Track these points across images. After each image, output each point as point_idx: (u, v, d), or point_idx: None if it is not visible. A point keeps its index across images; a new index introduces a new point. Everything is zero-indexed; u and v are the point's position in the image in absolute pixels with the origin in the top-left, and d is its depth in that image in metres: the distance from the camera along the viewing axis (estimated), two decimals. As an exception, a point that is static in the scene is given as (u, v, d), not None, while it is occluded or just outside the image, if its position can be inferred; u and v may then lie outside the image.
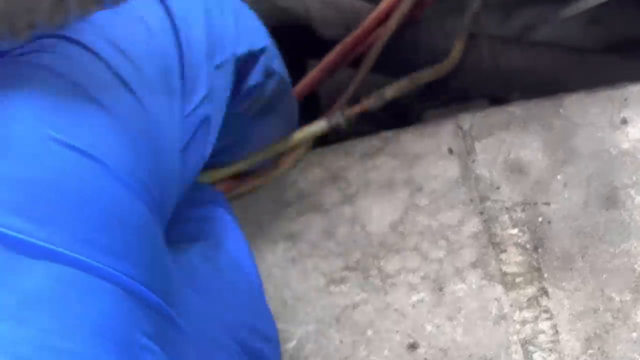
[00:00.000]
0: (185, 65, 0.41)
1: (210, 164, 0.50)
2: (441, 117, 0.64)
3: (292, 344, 0.56)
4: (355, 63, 0.67)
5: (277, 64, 0.50)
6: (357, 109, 0.62)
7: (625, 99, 0.61)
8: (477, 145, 0.62)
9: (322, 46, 0.66)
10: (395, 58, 0.69)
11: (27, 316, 0.29)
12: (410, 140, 0.63)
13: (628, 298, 0.55)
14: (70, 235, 0.31)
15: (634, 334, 0.54)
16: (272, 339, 0.49)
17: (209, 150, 0.43)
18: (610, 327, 0.54)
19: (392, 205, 0.61)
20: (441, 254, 0.58)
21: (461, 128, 0.63)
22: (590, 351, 0.54)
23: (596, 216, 0.58)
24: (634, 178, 0.58)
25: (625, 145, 0.59)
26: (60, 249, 0.31)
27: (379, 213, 0.60)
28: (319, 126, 0.62)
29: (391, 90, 0.63)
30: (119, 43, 0.37)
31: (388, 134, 0.64)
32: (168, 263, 0.38)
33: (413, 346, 0.55)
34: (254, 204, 0.62)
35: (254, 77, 0.48)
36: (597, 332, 0.54)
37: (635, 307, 0.54)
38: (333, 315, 0.57)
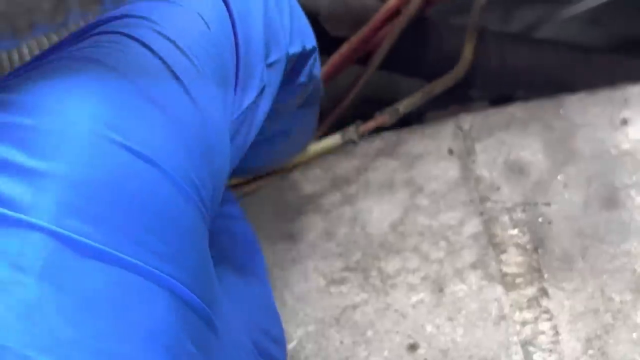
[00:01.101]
0: (241, 63, 0.40)
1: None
2: (441, 117, 0.64)
3: (292, 345, 0.56)
4: (363, 60, 0.67)
5: (317, 67, 0.50)
6: (371, 125, 0.63)
7: (626, 100, 0.61)
8: (478, 146, 0.62)
9: (331, 43, 0.66)
10: (403, 55, 0.69)
11: (83, 318, 0.29)
12: (410, 140, 0.63)
13: (628, 298, 0.55)
14: (127, 238, 0.31)
15: (634, 335, 0.54)
16: (281, 342, 0.49)
17: (247, 147, 0.43)
18: (611, 327, 0.54)
19: (392, 205, 0.61)
20: (441, 254, 0.58)
21: (461, 129, 0.63)
22: (590, 352, 0.54)
23: (596, 216, 0.58)
24: (634, 178, 0.58)
25: (626, 146, 0.59)
26: (117, 252, 0.31)
27: (379, 214, 0.60)
28: (333, 141, 0.63)
29: (405, 105, 0.63)
30: (174, 39, 0.37)
31: (388, 134, 0.64)
32: (212, 268, 0.38)
33: (413, 347, 0.55)
34: (254, 204, 0.62)
35: (301, 77, 0.47)
36: (598, 332, 0.54)
37: (635, 307, 0.54)
38: (333, 315, 0.57)
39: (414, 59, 0.70)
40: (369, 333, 0.56)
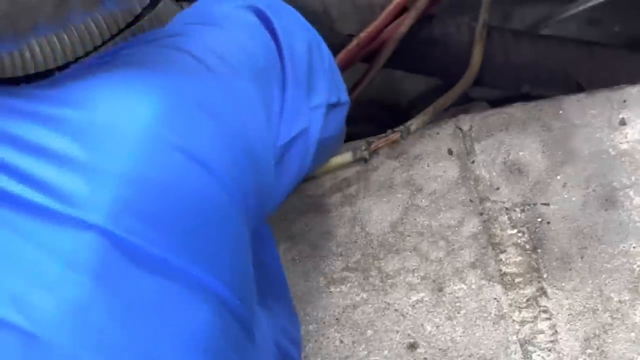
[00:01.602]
0: (285, 94, 0.41)
1: None
2: (441, 118, 0.64)
3: (292, 344, 0.56)
4: (369, 58, 0.67)
5: (346, 113, 0.51)
6: (381, 143, 0.62)
7: (624, 101, 0.61)
8: (477, 147, 0.62)
9: (339, 41, 0.66)
10: (410, 53, 0.69)
11: (132, 322, 0.30)
12: (410, 141, 0.63)
13: (626, 298, 0.55)
14: (178, 241, 0.32)
15: (632, 334, 0.54)
16: (297, 342, 0.49)
17: (296, 183, 0.45)
18: (609, 327, 0.54)
19: (392, 206, 0.61)
20: (441, 254, 0.58)
21: (461, 129, 0.63)
22: (589, 351, 0.54)
23: (595, 217, 0.58)
24: (632, 179, 0.59)
25: (624, 146, 0.60)
26: (168, 256, 0.31)
27: (379, 214, 0.61)
28: (344, 158, 0.63)
29: (416, 123, 0.63)
30: (223, 54, 0.38)
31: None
32: (253, 275, 0.38)
33: (413, 346, 0.56)
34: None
35: (332, 126, 0.48)
36: (596, 332, 0.54)
37: (633, 307, 0.55)
38: (333, 315, 0.57)
39: (420, 57, 0.70)
40: (369, 332, 0.56)
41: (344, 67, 0.66)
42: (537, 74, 0.69)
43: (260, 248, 0.48)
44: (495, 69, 0.70)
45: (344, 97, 0.48)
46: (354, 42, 0.66)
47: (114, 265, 0.30)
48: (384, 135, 0.63)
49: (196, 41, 0.38)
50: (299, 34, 0.44)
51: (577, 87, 0.67)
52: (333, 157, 0.62)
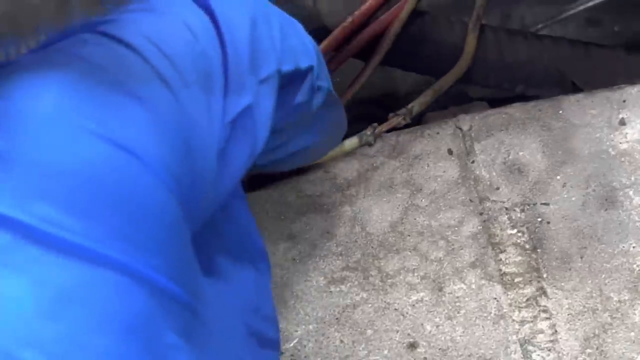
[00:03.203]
0: (228, 71, 0.40)
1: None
2: (441, 118, 0.64)
3: (292, 344, 0.56)
4: (362, 55, 0.67)
5: (324, 78, 0.50)
6: (385, 126, 0.63)
7: (624, 100, 0.61)
8: (477, 146, 0.62)
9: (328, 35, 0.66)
10: (402, 50, 0.69)
11: (60, 313, 0.29)
12: (410, 141, 0.63)
13: (626, 298, 0.55)
14: (105, 230, 0.31)
15: (632, 334, 0.54)
16: (271, 319, 0.48)
17: (250, 162, 0.43)
18: (609, 326, 0.54)
19: (392, 205, 0.61)
20: (441, 254, 0.59)
21: (461, 129, 0.63)
22: (588, 350, 0.54)
23: (595, 216, 0.58)
24: (632, 178, 0.59)
25: (624, 146, 0.60)
26: (95, 247, 0.30)
27: (379, 213, 0.61)
28: (351, 143, 0.63)
29: (418, 105, 0.63)
30: (158, 41, 0.37)
31: (388, 135, 0.64)
32: (194, 259, 0.38)
33: (413, 346, 0.56)
34: (255, 204, 0.62)
35: (300, 95, 0.47)
36: (596, 331, 0.54)
37: (633, 306, 0.55)
38: (333, 314, 0.57)
39: (412, 54, 0.70)
40: (369, 332, 0.56)
41: (338, 46, 0.65)
42: (531, 73, 0.69)
43: (232, 213, 0.47)
44: (489, 68, 0.70)
45: (307, 60, 0.46)
46: (349, 19, 0.65)
47: (37, 259, 0.29)
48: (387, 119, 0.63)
49: (131, 28, 0.37)
50: (239, 8, 0.43)
51: (573, 87, 0.67)
52: (341, 143, 0.62)
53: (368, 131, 0.63)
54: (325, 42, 0.65)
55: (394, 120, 0.63)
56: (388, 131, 0.64)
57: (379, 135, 0.63)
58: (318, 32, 0.66)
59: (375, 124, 0.63)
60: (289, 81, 0.45)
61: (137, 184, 0.33)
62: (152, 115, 0.34)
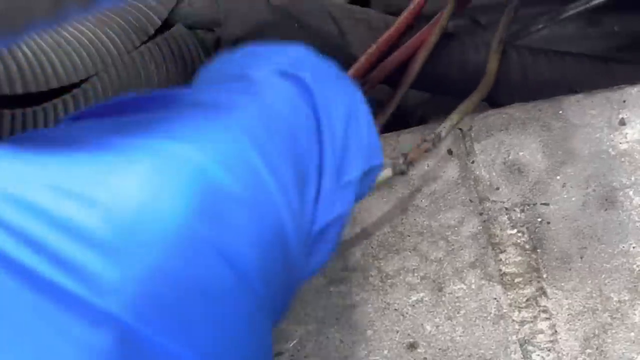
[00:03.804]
0: (322, 176, 0.39)
1: None
2: (441, 118, 0.64)
3: (292, 344, 0.56)
4: (390, 80, 0.66)
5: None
6: (416, 153, 0.61)
7: (624, 101, 0.61)
8: (477, 147, 0.62)
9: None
10: (428, 74, 0.68)
11: None
12: (410, 141, 0.63)
13: (626, 298, 0.55)
14: (190, 338, 0.31)
15: (632, 334, 0.54)
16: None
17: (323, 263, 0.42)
18: (609, 326, 0.54)
19: (392, 205, 0.61)
20: (440, 254, 0.59)
21: (461, 129, 0.63)
22: (588, 351, 0.54)
23: (595, 217, 0.58)
24: (632, 179, 0.59)
25: (624, 146, 0.60)
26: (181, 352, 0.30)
27: (379, 213, 0.61)
28: (386, 174, 0.60)
29: (445, 130, 0.62)
30: (261, 139, 0.36)
31: (388, 135, 0.64)
32: None
33: (412, 346, 0.56)
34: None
35: (363, 190, 0.45)
36: (596, 332, 0.54)
37: (633, 307, 0.55)
38: (333, 315, 0.57)
39: (439, 77, 0.68)
40: (369, 332, 0.56)
41: (365, 73, 0.65)
42: (554, 92, 0.68)
43: None
44: (512, 87, 0.69)
45: (378, 159, 0.45)
46: (373, 47, 0.65)
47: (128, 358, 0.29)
48: (416, 146, 0.62)
49: (237, 116, 0.36)
50: (339, 101, 0.41)
51: None
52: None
53: (400, 160, 0.61)
54: (351, 71, 0.64)
55: (425, 146, 0.61)
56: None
57: (410, 163, 0.61)
58: (344, 61, 0.66)
59: (406, 153, 0.61)
60: (363, 178, 0.44)
61: (227, 294, 0.32)
62: (254, 220, 0.34)
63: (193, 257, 0.31)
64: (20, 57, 0.50)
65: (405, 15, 0.65)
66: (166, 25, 0.61)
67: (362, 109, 0.43)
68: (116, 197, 0.30)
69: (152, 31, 0.60)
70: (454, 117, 0.63)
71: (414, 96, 0.79)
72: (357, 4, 0.70)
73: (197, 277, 0.31)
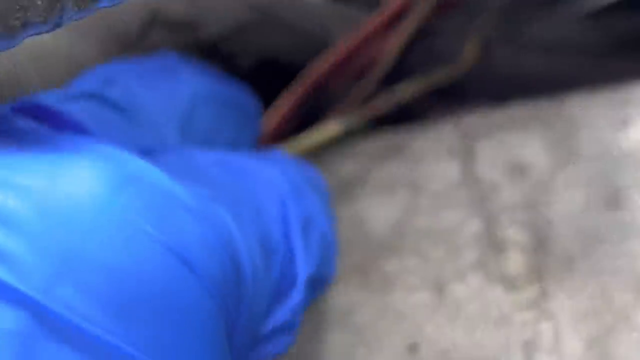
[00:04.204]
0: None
1: None
2: (441, 117, 0.64)
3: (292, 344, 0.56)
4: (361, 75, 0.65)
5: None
6: (369, 110, 0.61)
7: (627, 100, 0.61)
8: (478, 146, 0.62)
9: None
10: (406, 68, 0.68)
11: None
12: (410, 141, 0.63)
13: (630, 299, 0.55)
14: (144, 334, 0.31)
15: (636, 335, 0.54)
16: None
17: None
18: (612, 328, 0.54)
19: (392, 205, 0.61)
20: (441, 254, 0.58)
21: (461, 129, 0.63)
22: (592, 352, 0.54)
23: (597, 217, 0.58)
24: (636, 179, 0.58)
25: (628, 146, 0.60)
26: (128, 350, 0.30)
27: (379, 214, 0.61)
28: (332, 130, 0.60)
29: (402, 91, 0.62)
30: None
31: (387, 134, 0.64)
32: None
33: (413, 347, 0.55)
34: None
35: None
36: (599, 333, 0.54)
37: (636, 308, 0.54)
38: (333, 315, 0.57)
39: (420, 73, 0.68)
40: (369, 333, 0.56)
41: (332, 74, 0.64)
42: (557, 90, 0.67)
43: None
44: (498, 82, 0.69)
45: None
46: (341, 44, 0.64)
47: (39, 342, 0.29)
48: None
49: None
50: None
51: None
52: (317, 131, 0.61)
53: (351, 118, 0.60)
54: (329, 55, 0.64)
55: (378, 103, 0.60)
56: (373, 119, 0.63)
57: (366, 119, 0.60)
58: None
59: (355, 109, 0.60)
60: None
61: (182, 289, 0.32)
62: (205, 231, 0.35)
63: (127, 244, 0.31)
64: None
65: (388, 10, 0.64)
66: (145, 31, 0.60)
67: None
68: (53, 186, 0.31)
69: (133, 39, 0.59)
70: (420, 79, 0.62)
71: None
72: (340, 2, 0.69)
73: (135, 263, 0.31)
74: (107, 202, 0.32)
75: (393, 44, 0.65)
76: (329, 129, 0.61)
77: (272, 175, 0.44)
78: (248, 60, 0.69)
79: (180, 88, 0.47)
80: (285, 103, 0.61)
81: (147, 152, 0.38)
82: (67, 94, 0.44)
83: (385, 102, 0.62)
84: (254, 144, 0.55)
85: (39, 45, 0.54)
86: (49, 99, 0.42)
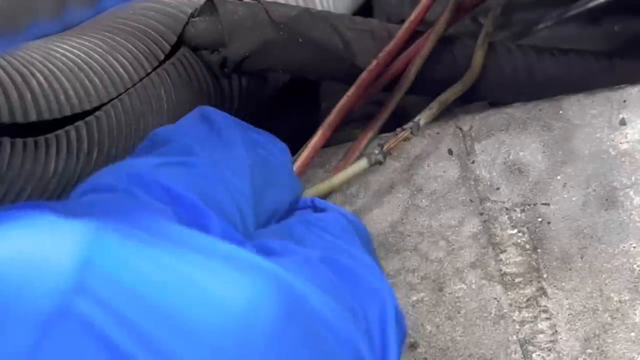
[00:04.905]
0: None
1: None
2: (441, 118, 0.64)
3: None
4: (389, 88, 0.66)
5: None
6: (393, 142, 0.61)
7: (624, 101, 0.61)
8: (477, 147, 0.62)
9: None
10: (424, 78, 0.67)
11: None
12: (410, 141, 0.63)
13: (626, 298, 0.55)
14: None
15: (632, 334, 0.54)
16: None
17: None
18: (609, 326, 0.54)
19: (392, 205, 0.61)
20: (441, 254, 0.59)
21: (461, 129, 0.63)
22: (589, 351, 0.54)
23: (595, 217, 0.58)
24: (632, 179, 0.59)
25: (624, 146, 0.60)
26: None
27: (379, 213, 0.61)
28: (360, 166, 0.60)
29: (424, 118, 0.61)
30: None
31: (388, 135, 0.64)
32: None
33: (413, 346, 0.56)
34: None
35: None
36: (596, 332, 0.54)
37: (633, 307, 0.55)
38: (333, 315, 0.57)
39: (440, 80, 0.67)
40: (369, 332, 0.56)
41: (366, 89, 0.64)
42: (560, 89, 0.67)
43: None
44: (519, 86, 0.69)
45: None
46: (373, 62, 0.64)
47: None
48: (393, 133, 0.61)
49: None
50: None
51: None
52: (349, 167, 0.60)
53: (376, 150, 0.60)
54: (353, 88, 0.63)
55: (402, 134, 0.61)
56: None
57: (388, 153, 0.61)
58: (350, 73, 0.65)
59: (382, 141, 0.61)
60: None
61: None
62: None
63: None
64: (35, 86, 0.50)
65: (405, 27, 0.65)
66: (173, 49, 0.60)
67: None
68: (225, 298, 0.30)
69: (162, 56, 0.59)
70: (433, 105, 0.63)
71: (414, 100, 0.79)
72: (359, 15, 0.70)
73: None
74: (278, 332, 0.31)
75: (419, 55, 0.64)
76: (359, 165, 0.60)
77: (372, 280, 0.42)
78: (275, 76, 0.69)
79: (238, 157, 0.45)
80: (320, 137, 0.62)
81: (266, 251, 0.38)
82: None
83: (409, 133, 0.61)
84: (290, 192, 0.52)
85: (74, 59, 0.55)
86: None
